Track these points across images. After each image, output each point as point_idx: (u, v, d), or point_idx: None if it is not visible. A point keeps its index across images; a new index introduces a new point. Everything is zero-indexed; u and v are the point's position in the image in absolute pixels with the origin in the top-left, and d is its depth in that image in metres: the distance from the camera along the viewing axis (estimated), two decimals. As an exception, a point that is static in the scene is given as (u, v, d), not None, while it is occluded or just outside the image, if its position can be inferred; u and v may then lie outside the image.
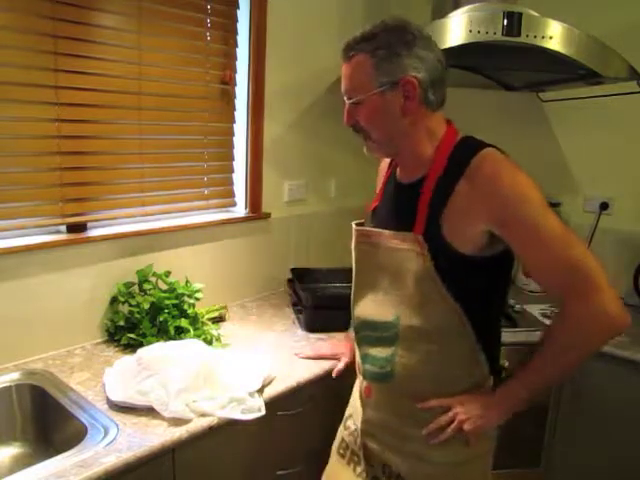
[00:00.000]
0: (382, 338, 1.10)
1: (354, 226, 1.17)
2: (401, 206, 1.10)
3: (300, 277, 1.96)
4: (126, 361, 1.38)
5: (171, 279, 1.68)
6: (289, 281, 2.02)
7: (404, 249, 1.04)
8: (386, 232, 1.08)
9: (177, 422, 1.18)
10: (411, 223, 1.04)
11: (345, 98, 1.06)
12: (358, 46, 1.00)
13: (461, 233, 0.99)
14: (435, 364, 1.06)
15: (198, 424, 1.19)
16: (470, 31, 1.59)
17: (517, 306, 2.02)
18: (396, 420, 1.11)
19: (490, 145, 1.02)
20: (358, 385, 1.23)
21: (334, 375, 1.45)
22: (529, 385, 1.04)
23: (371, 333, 1.13)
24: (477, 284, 1.03)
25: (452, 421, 1.05)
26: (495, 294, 1.10)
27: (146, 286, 1.64)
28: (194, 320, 1.62)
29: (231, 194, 1.99)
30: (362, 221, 1.20)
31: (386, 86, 0.99)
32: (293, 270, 2.01)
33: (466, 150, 1.01)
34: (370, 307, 1.13)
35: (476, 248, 1.00)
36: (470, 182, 0.98)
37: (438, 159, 1.03)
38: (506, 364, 1.78)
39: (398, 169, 1.15)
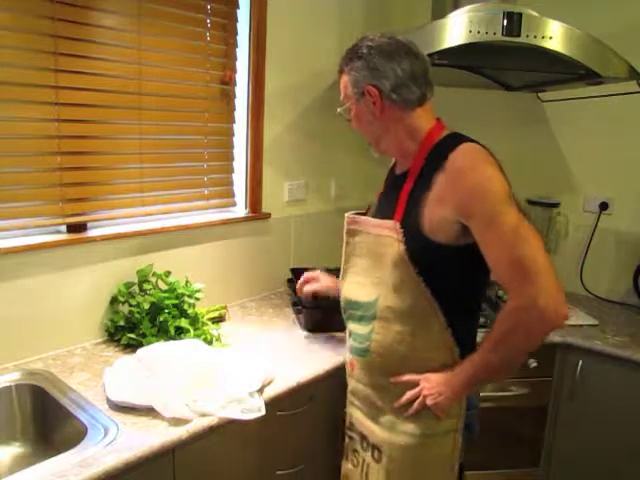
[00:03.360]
0: (364, 316, 1.20)
1: (346, 214, 1.28)
2: (391, 196, 1.20)
3: (300, 277, 1.96)
4: (126, 361, 1.38)
5: (171, 279, 1.68)
6: (289, 281, 2.02)
7: (383, 235, 1.15)
8: (371, 220, 1.20)
9: (177, 422, 1.18)
10: (393, 211, 1.15)
11: None
12: (341, 64, 1.19)
13: (436, 222, 1.08)
14: (406, 344, 1.15)
15: (198, 424, 1.19)
16: (470, 31, 1.59)
17: (517, 306, 2.02)
18: (373, 393, 1.22)
19: (472, 140, 1.10)
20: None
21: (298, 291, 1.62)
22: (478, 368, 1.10)
23: (354, 312, 1.24)
24: (449, 272, 1.11)
25: (419, 396, 1.14)
26: (468, 284, 1.16)
27: (146, 286, 1.64)
28: (194, 320, 1.62)
29: (231, 194, 1.99)
30: (359, 211, 1.29)
31: (357, 96, 1.16)
32: (293, 270, 2.01)
33: (448, 145, 1.10)
34: (355, 288, 1.24)
35: (450, 237, 1.08)
36: (445, 174, 1.07)
37: (420, 153, 1.14)
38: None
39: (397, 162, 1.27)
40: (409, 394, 1.15)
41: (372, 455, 1.23)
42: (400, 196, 1.15)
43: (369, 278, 1.19)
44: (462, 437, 1.19)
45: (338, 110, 1.22)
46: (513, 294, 1.03)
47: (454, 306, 1.13)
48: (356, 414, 1.29)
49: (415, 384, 1.15)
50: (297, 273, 1.97)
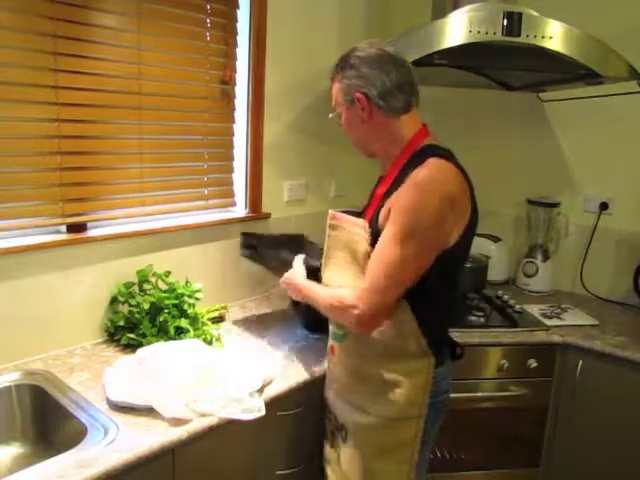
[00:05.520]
0: None
1: (329, 211, 1.36)
2: (370, 197, 1.33)
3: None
4: (126, 361, 1.38)
5: (171, 279, 1.68)
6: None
7: (356, 232, 1.24)
8: (347, 217, 1.29)
9: (177, 422, 1.18)
10: (367, 211, 1.26)
11: None
12: (333, 72, 1.26)
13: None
14: (378, 332, 1.22)
15: (198, 424, 1.19)
16: (470, 31, 1.59)
17: (517, 306, 2.02)
18: (348, 376, 1.31)
19: (445, 155, 1.17)
20: None
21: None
22: (314, 297, 1.32)
23: None
24: None
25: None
26: (430, 281, 1.18)
27: (146, 286, 1.64)
28: (194, 320, 1.62)
29: (231, 194, 1.99)
30: (347, 209, 1.36)
31: (348, 103, 1.23)
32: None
33: (420, 157, 1.17)
34: (333, 277, 1.33)
35: None
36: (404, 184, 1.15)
37: (399, 159, 1.22)
38: (505, 365, 1.79)
39: None
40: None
41: (341, 435, 1.33)
42: (374, 198, 1.26)
43: (347, 269, 1.28)
44: (431, 424, 1.26)
45: (330, 116, 1.30)
46: (355, 296, 1.16)
47: (420, 300, 1.19)
48: (331, 397, 1.38)
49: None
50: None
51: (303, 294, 1.37)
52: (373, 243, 1.18)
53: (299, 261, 1.46)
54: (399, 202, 1.13)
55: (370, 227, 1.20)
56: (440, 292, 1.24)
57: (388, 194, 1.19)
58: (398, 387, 1.22)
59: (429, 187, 1.11)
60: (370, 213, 1.23)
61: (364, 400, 1.27)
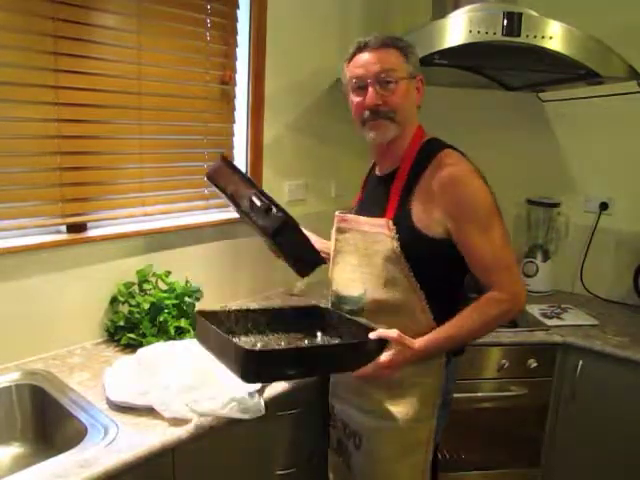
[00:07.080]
0: (352, 310, 1.25)
1: (336, 213, 1.33)
2: (377, 195, 1.27)
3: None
4: (126, 361, 1.38)
5: (171, 279, 1.68)
6: None
7: (374, 232, 1.20)
8: (361, 218, 1.26)
9: (177, 422, 1.18)
10: (384, 209, 1.21)
11: (370, 81, 1.18)
12: (388, 41, 1.20)
13: (426, 217, 1.16)
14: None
15: (198, 424, 1.19)
16: (470, 31, 1.59)
17: (517, 306, 2.02)
18: (358, 379, 1.21)
19: (452, 147, 1.20)
20: None
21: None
22: (432, 350, 1.16)
23: (344, 306, 1.28)
24: (438, 267, 1.18)
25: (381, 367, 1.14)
26: (455, 278, 1.23)
27: (146, 286, 1.64)
28: (194, 320, 1.62)
29: (231, 194, 1.99)
30: (346, 210, 1.35)
31: (411, 76, 1.21)
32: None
33: (433, 147, 1.20)
34: (344, 283, 1.29)
35: (443, 231, 1.15)
36: (432, 173, 1.15)
37: (410, 152, 1.22)
38: (506, 365, 1.79)
39: (377, 165, 1.33)
40: (381, 363, 1.13)
41: (353, 442, 1.29)
42: (391, 194, 1.21)
43: (357, 273, 1.24)
44: (441, 423, 1.26)
45: (390, 78, 1.18)
46: (503, 290, 1.14)
47: (440, 301, 1.19)
48: (338, 403, 1.35)
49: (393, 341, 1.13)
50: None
51: (427, 353, 1.16)
52: (404, 240, 1.16)
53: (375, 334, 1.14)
54: (451, 203, 1.13)
55: (396, 224, 1.17)
56: (459, 291, 1.25)
57: (407, 191, 1.18)
58: (413, 389, 1.21)
59: (467, 175, 1.15)
60: (392, 211, 1.19)
61: (379, 404, 1.24)
